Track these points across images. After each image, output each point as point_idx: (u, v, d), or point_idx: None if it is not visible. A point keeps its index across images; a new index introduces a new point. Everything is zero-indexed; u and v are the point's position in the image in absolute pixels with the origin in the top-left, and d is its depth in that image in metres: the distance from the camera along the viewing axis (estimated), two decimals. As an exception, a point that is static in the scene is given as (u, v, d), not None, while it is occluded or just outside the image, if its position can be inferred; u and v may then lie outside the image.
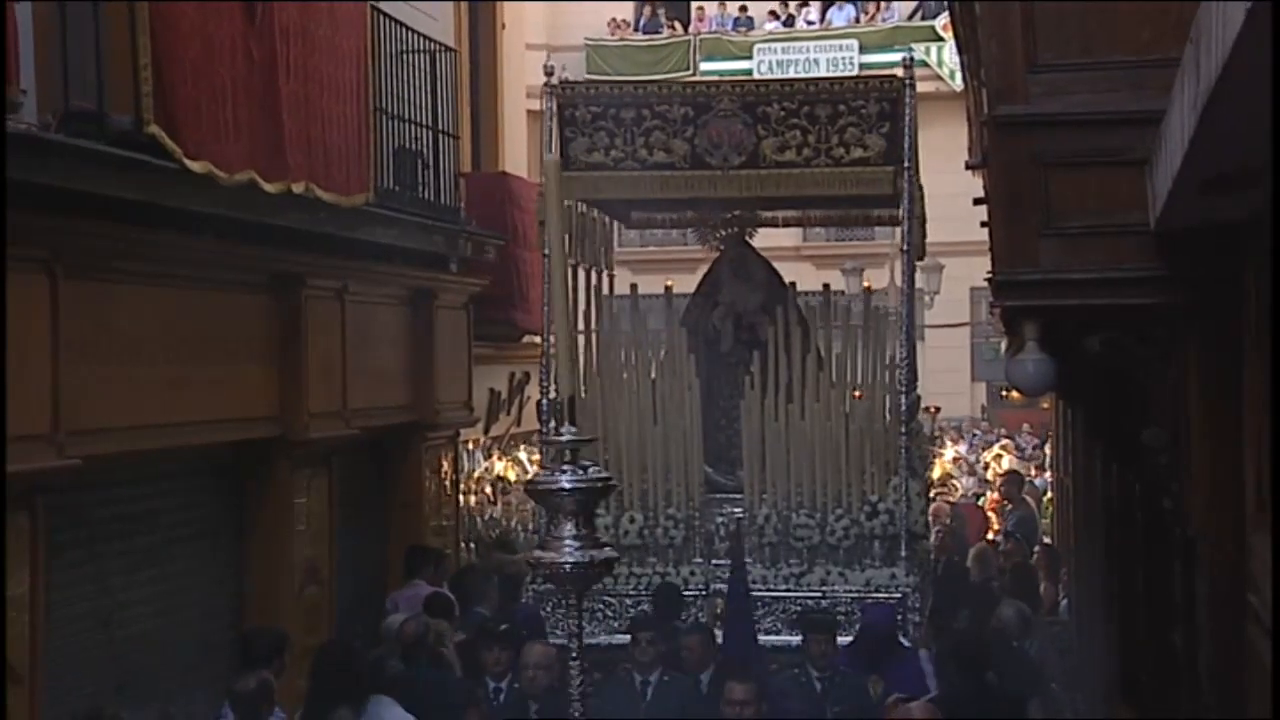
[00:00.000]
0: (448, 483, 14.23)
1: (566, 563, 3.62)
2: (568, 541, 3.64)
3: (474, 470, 15.60)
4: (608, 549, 3.71)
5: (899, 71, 10.56)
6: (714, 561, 10.05)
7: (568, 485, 3.66)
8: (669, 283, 12.50)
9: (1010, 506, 17.01)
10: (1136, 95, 5.85)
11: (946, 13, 21.61)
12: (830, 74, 25.96)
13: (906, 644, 9.34)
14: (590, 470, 3.70)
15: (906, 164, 10.14)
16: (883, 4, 31.07)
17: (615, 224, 12.60)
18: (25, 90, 7.41)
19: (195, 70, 8.77)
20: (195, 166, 8.68)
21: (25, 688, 7.71)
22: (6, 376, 7.14)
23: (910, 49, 10.88)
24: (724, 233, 11.84)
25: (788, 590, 9.93)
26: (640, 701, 8.45)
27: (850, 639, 9.24)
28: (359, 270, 11.90)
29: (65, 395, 8.05)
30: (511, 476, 15.90)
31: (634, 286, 11.91)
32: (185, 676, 9.73)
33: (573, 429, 3.76)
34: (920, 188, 10.69)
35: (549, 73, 10.72)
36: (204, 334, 9.83)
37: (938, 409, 21.08)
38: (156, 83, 8.38)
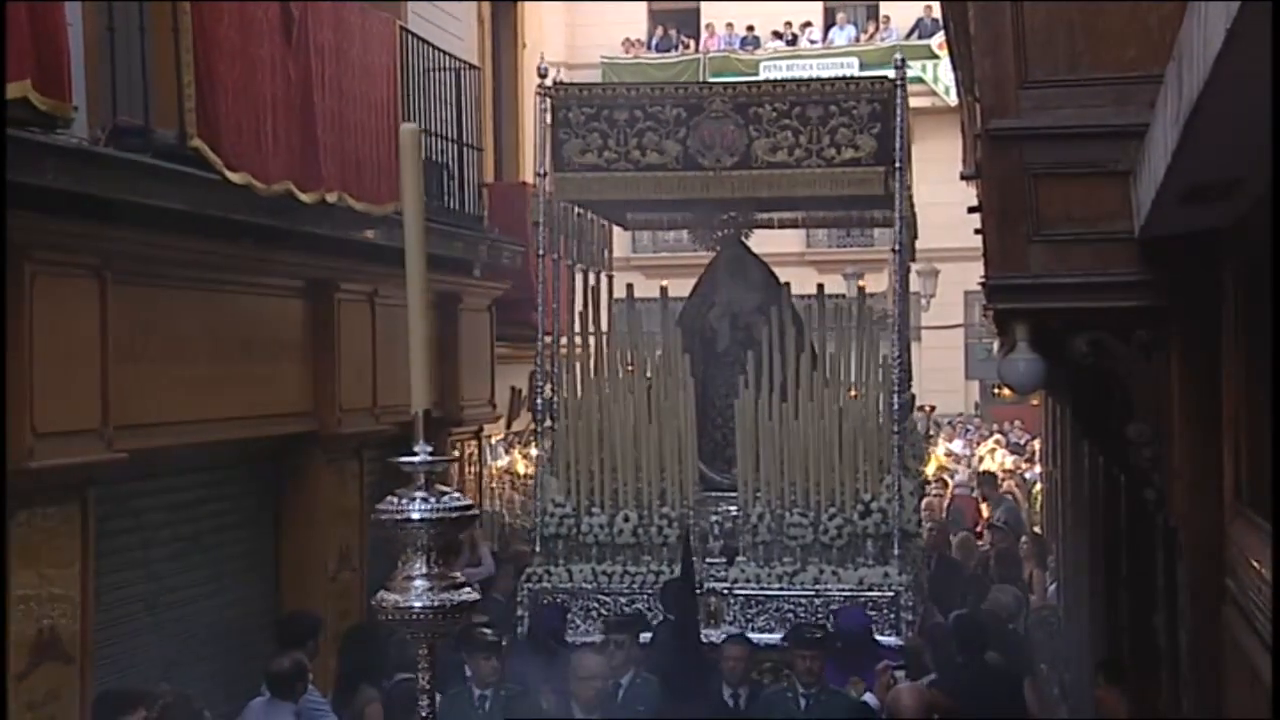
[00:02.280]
0: (472, 475, 14.26)
1: (415, 607, 2.85)
2: (418, 582, 2.87)
3: (495, 463, 15.63)
4: (466, 590, 2.91)
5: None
6: (708, 560, 9.68)
7: (418, 516, 2.90)
8: (664, 284, 11.94)
9: (988, 503, 16.92)
10: (1121, 110, 5.85)
11: (942, 32, 21.59)
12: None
13: (893, 642, 8.96)
14: (446, 498, 2.93)
15: (898, 164, 9.60)
16: (882, 24, 31.08)
17: (612, 227, 12.22)
18: (76, 106, 7.42)
19: (236, 87, 8.79)
20: (235, 178, 8.71)
21: (76, 667, 7.76)
22: (9, 377, 7.10)
23: (904, 61, 10.29)
24: (721, 234, 11.42)
25: (780, 589, 9.48)
26: (612, 703, 8.06)
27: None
28: (388, 275, 11.88)
29: (114, 393, 8.08)
30: (520, 470, 15.86)
31: (629, 287, 11.50)
32: (227, 657, 9.76)
33: (428, 448, 2.93)
34: (908, 189, 10.22)
35: (542, 74, 10.22)
36: (243, 335, 9.86)
37: (933, 407, 21.07)
38: (199, 99, 8.41)
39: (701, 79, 29.84)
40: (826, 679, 8.14)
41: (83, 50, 7.92)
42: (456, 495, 2.97)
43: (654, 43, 31.87)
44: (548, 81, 10.20)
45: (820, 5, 31.90)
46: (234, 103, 8.76)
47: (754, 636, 8.96)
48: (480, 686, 7.87)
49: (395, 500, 2.94)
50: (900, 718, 7.49)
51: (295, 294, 10.70)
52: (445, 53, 12.83)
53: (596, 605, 9.56)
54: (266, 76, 9.19)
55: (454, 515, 2.93)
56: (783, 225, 12.50)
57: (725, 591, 9.46)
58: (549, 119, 9.99)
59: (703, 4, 32.39)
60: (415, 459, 2.94)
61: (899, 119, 9.59)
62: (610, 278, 11.97)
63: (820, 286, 11.60)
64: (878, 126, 9.55)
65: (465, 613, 2.94)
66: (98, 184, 7.66)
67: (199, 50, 8.42)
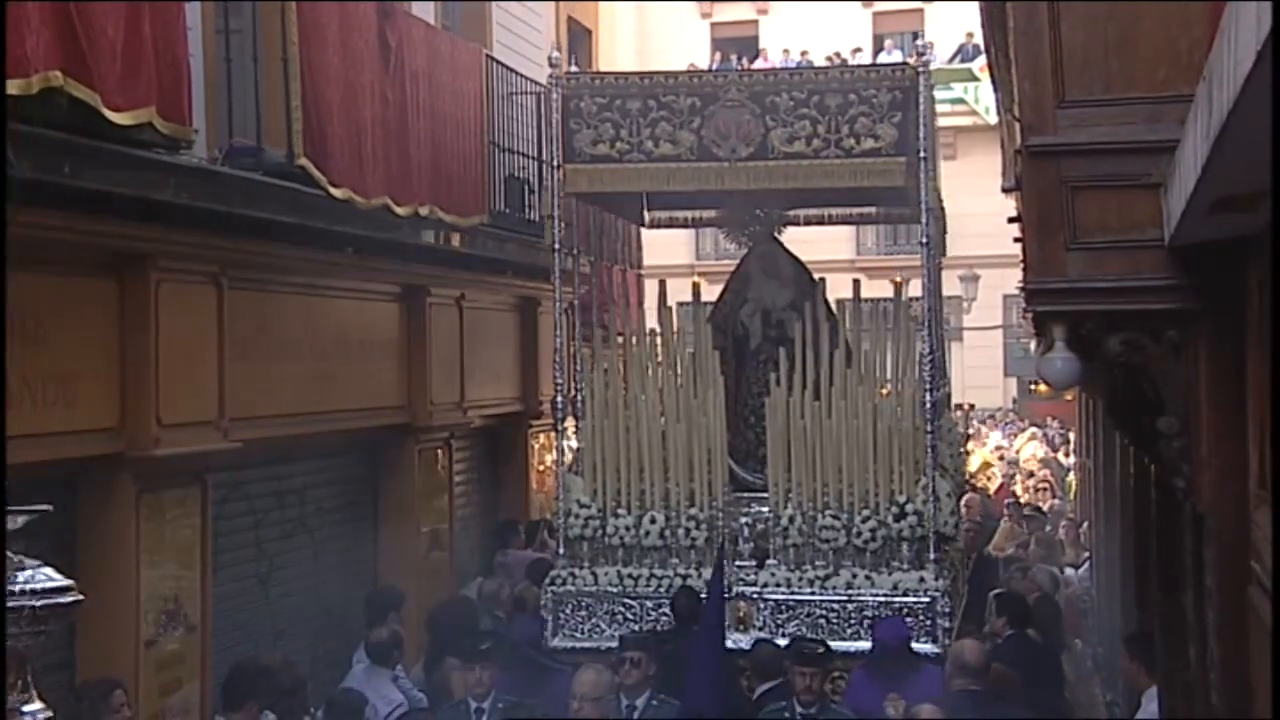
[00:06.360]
0: (549, 464, 14.32)
1: None
2: None
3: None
4: None
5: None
6: (738, 563, 8.62)
7: None
8: (695, 281, 11.12)
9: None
10: (1153, 127, 5.81)
11: (983, 56, 21.46)
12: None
13: (929, 650, 8.08)
14: (33, 577, 1.68)
15: (921, 154, 8.43)
16: (927, 49, 30.97)
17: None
18: (196, 130, 7.55)
19: (338, 111, 8.90)
20: (338, 193, 8.81)
21: (198, 635, 7.89)
22: (8, 374, 7.12)
23: (929, 46, 9.55)
24: (752, 229, 10.25)
25: (812, 594, 8.41)
26: None
27: (869, 649, 8.03)
28: (475, 281, 12.00)
29: (229, 388, 8.21)
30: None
31: (662, 283, 10.39)
32: (329, 627, 9.87)
33: None
34: (935, 182, 9.20)
35: (553, 64, 9.07)
36: (344, 336, 9.97)
37: (972, 405, 20.85)
38: (306, 122, 8.52)
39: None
40: (829, 697, 7.30)
41: (203, 79, 8.05)
42: (46, 574, 1.71)
43: (715, 68, 31.88)
44: (558, 71, 9.07)
45: (870, 30, 32.02)
46: (337, 125, 8.86)
47: (782, 642, 7.92)
48: (476, 698, 7.27)
49: None
50: (966, 662, 7.35)
51: (391, 298, 10.80)
52: (526, 78, 12.90)
53: (622, 610, 8.61)
54: (366, 101, 9.29)
55: (31, 609, 1.55)
56: (809, 222, 11.14)
57: (755, 596, 8.46)
58: (560, 109, 8.80)
59: (761, 30, 32.49)
60: None
61: (920, 107, 8.49)
62: (639, 277, 11.47)
63: (856, 283, 10.46)
64: (899, 115, 8.42)
65: None
66: (215, 199, 7.78)
67: (306, 78, 8.53)
